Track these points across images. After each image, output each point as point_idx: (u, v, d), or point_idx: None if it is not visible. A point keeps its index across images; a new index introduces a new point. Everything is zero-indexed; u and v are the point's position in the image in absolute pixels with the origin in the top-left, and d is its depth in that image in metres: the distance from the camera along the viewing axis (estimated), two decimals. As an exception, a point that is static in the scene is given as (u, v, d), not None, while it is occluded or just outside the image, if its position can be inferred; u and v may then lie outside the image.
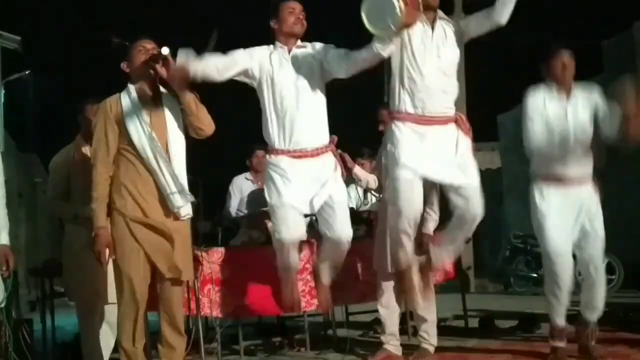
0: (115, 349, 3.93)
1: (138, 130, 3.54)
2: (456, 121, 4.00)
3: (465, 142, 3.98)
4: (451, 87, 4.01)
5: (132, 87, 3.63)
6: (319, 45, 4.02)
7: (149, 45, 3.62)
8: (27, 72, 17.10)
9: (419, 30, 3.89)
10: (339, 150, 4.24)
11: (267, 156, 4.00)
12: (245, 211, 5.67)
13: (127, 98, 3.60)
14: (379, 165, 4.82)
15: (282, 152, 3.89)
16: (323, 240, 4.03)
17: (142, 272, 3.51)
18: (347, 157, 4.65)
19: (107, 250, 3.53)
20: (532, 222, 4.29)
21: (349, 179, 5.16)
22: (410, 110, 3.89)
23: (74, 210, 4.21)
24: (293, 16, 3.93)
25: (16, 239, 13.22)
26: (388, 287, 4.72)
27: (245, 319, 5.37)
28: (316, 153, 3.91)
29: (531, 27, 15.35)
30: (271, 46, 4.01)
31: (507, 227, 12.40)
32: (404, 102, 3.91)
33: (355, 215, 5.36)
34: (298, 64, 3.93)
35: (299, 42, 4.01)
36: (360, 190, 6.19)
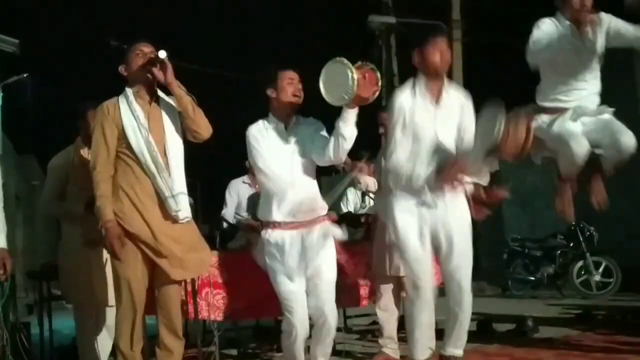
0: (113, 352, 3.92)
1: (136, 134, 3.53)
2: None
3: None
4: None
5: (129, 91, 3.62)
6: (313, 122, 3.88)
7: (147, 48, 3.61)
8: (25, 75, 17.09)
9: (419, 108, 3.75)
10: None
11: (263, 232, 3.81)
12: (244, 214, 5.67)
13: (124, 102, 3.60)
14: (378, 168, 4.83)
15: (278, 225, 3.73)
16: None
17: (140, 275, 3.50)
18: (348, 160, 4.63)
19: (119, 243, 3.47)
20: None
21: (349, 182, 5.17)
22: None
23: (67, 206, 4.22)
24: (292, 87, 3.77)
25: (14, 242, 13.22)
26: (387, 290, 4.73)
27: (243, 322, 5.37)
28: (310, 223, 3.75)
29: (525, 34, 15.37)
30: (265, 122, 3.85)
31: (505, 231, 12.40)
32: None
33: (353, 218, 5.37)
34: (294, 141, 3.79)
35: (294, 118, 3.84)
36: (359, 193, 6.19)
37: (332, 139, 3.63)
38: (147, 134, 3.54)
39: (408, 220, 3.76)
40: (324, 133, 3.80)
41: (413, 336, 3.84)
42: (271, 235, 3.74)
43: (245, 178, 6.07)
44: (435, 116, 3.74)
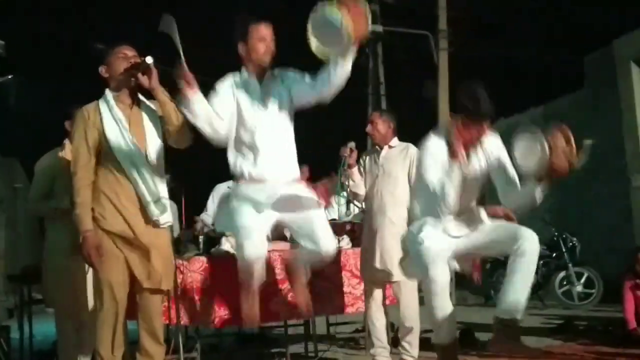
0: (94, 358, 3.89)
1: (118, 139, 3.50)
2: None
3: None
4: None
5: (110, 94, 3.57)
6: (288, 74, 3.70)
7: (130, 52, 3.57)
8: (10, 77, 16.94)
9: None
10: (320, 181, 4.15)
11: (232, 184, 3.74)
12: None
13: (105, 105, 3.55)
14: (363, 169, 4.83)
15: (247, 180, 3.60)
16: (302, 248, 3.72)
17: (122, 279, 3.47)
18: (352, 145, 4.62)
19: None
20: None
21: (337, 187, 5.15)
22: None
23: (53, 204, 4.20)
24: (264, 45, 3.58)
25: (-5, 245, 13.09)
26: (376, 296, 4.73)
27: (226, 329, 5.35)
28: (284, 181, 3.62)
29: (512, 43, 15.50)
30: (238, 74, 3.69)
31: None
32: None
33: (338, 226, 5.37)
34: (268, 98, 3.63)
35: (268, 73, 3.67)
36: (343, 201, 6.20)
37: (329, 69, 3.40)
38: (131, 138, 3.52)
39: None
40: (307, 78, 3.60)
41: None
42: (242, 188, 3.59)
43: (230, 183, 6.04)
44: None
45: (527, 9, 15.25)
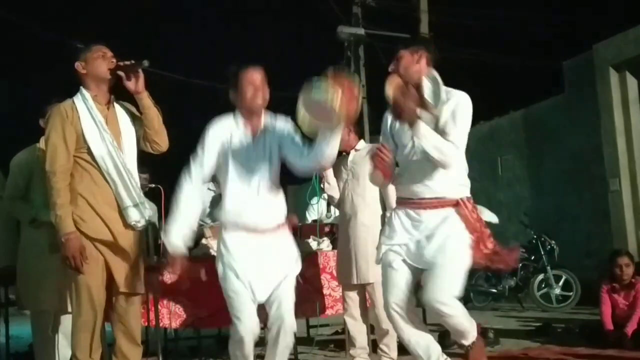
0: (71, 360, 3.85)
1: (97, 140, 3.42)
2: None
3: None
4: None
5: (87, 93, 3.48)
6: (283, 125, 3.56)
7: (108, 52, 3.51)
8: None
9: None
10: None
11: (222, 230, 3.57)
12: (208, 221, 5.63)
13: (83, 104, 3.46)
14: (338, 171, 4.84)
15: (235, 227, 3.48)
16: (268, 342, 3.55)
17: (101, 281, 3.43)
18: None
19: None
20: None
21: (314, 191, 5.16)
22: None
23: (33, 213, 4.11)
24: (252, 88, 3.44)
25: (-29, 246, 12.89)
26: (353, 299, 4.73)
27: (205, 331, 5.33)
28: (270, 230, 3.51)
29: (492, 48, 15.60)
30: (232, 120, 3.53)
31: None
32: None
33: (319, 228, 5.38)
34: (259, 149, 3.50)
35: (262, 123, 3.54)
36: (323, 203, 6.20)
37: (318, 147, 3.30)
38: (112, 139, 3.45)
39: None
40: (297, 139, 3.51)
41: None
42: (228, 236, 3.49)
43: (211, 185, 6.03)
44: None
45: (509, 14, 15.40)
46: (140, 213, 3.51)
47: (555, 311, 8.46)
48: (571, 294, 8.76)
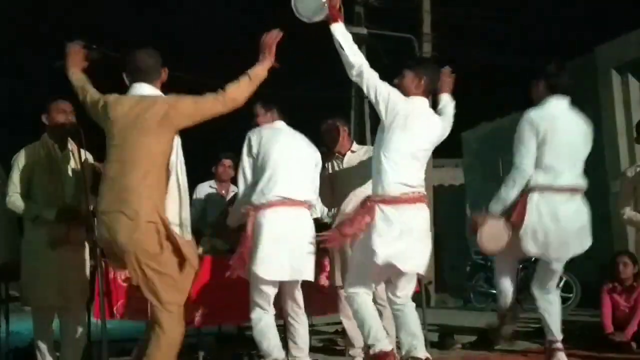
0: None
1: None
2: None
3: None
4: None
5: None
6: None
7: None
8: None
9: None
10: None
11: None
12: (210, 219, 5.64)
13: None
14: (332, 172, 4.86)
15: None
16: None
17: None
18: None
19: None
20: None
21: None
22: None
23: (36, 211, 4.12)
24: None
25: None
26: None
27: (205, 329, 5.32)
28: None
29: (495, 49, 15.61)
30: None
31: (469, 244, 12.53)
32: None
33: (320, 225, 5.37)
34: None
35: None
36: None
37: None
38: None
39: None
40: None
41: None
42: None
43: (212, 183, 6.04)
44: None
45: (511, 15, 15.39)
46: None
47: (555, 312, 8.46)
48: (571, 295, 8.76)
